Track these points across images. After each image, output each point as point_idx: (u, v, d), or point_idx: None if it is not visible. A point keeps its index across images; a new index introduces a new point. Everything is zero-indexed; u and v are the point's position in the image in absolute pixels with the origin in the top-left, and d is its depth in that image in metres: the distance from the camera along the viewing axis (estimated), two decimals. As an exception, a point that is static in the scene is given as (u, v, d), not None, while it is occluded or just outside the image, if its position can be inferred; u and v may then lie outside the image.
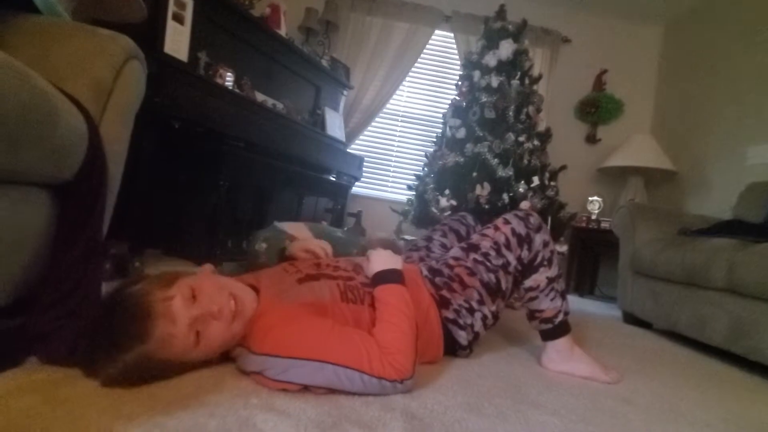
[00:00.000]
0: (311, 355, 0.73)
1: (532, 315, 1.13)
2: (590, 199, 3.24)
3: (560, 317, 1.10)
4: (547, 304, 1.10)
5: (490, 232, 1.10)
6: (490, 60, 2.54)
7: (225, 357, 0.83)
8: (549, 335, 1.12)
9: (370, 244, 1.59)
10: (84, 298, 0.80)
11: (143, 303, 0.69)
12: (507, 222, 1.10)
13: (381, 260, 0.96)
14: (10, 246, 0.71)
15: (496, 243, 1.07)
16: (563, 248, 2.49)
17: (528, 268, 1.09)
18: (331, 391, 0.75)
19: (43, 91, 0.69)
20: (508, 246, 1.06)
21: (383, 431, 0.66)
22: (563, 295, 1.12)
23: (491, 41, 2.59)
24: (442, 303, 1.04)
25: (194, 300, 0.74)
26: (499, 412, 0.80)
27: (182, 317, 0.70)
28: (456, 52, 3.44)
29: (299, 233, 1.33)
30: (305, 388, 0.75)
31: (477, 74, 2.57)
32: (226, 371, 0.80)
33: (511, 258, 1.07)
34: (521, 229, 1.07)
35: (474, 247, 1.09)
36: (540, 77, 2.71)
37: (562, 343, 1.12)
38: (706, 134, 2.94)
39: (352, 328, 0.82)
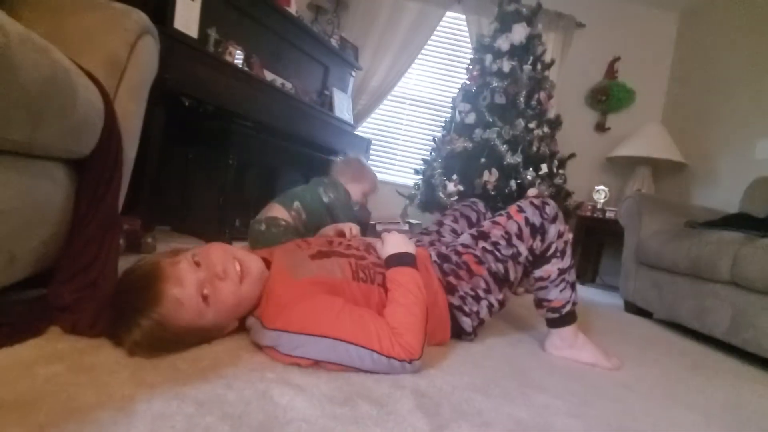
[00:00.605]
0: (323, 332, 0.75)
1: (539, 303, 1.13)
2: (597, 188, 3.23)
3: (568, 308, 1.10)
4: (556, 295, 1.09)
5: (502, 220, 1.08)
6: (503, 44, 2.50)
7: (242, 326, 0.86)
8: (555, 323, 1.13)
9: (337, 168, 1.70)
10: (102, 271, 0.82)
11: (152, 268, 0.73)
12: (521, 210, 1.07)
13: (395, 243, 0.97)
14: (32, 220, 0.72)
15: (507, 232, 1.05)
16: (568, 236, 2.50)
17: (539, 259, 1.08)
18: (343, 367, 0.77)
19: (63, 65, 0.69)
20: (519, 236, 1.05)
21: (393, 407, 0.68)
22: (573, 286, 1.11)
23: (504, 24, 2.55)
24: (449, 289, 1.05)
25: (200, 265, 0.77)
26: (504, 393, 0.83)
27: (189, 280, 0.73)
28: (467, 34, 3.38)
29: (273, 211, 1.50)
30: (317, 364, 0.77)
31: (488, 58, 2.54)
32: (242, 346, 0.82)
33: (522, 248, 1.05)
34: (535, 219, 1.05)
35: (484, 235, 1.08)
36: (552, 63, 2.67)
37: (567, 331, 1.13)
38: (717, 127, 2.91)
39: (364, 308, 0.84)
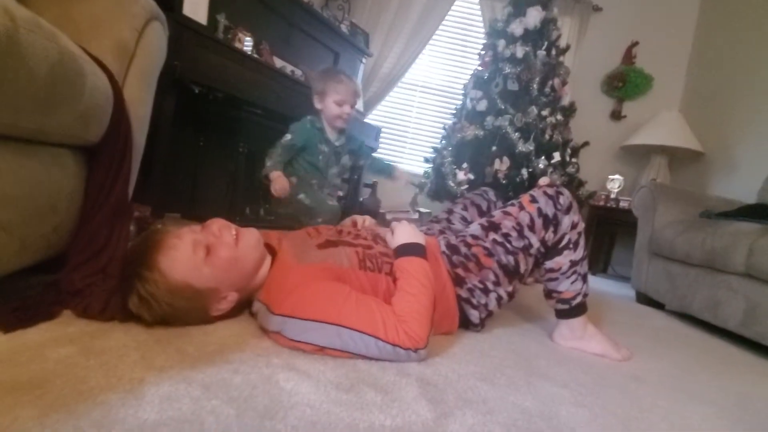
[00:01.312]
0: (329, 318, 0.75)
1: (549, 294, 1.11)
2: (611, 177, 3.17)
3: (578, 299, 1.08)
4: (567, 287, 1.07)
5: (514, 210, 1.05)
6: (516, 28, 2.44)
7: (245, 306, 0.89)
8: (564, 314, 1.11)
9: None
10: (112, 257, 0.83)
11: (151, 233, 0.82)
12: (534, 200, 1.04)
13: (405, 233, 0.97)
14: (42, 206, 0.73)
15: (519, 223, 1.02)
16: (582, 227, 2.47)
17: (551, 251, 1.05)
18: (348, 354, 0.78)
19: (71, 51, 0.69)
20: (531, 227, 1.02)
21: (398, 394, 0.68)
22: (585, 278, 1.08)
23: (518, 8, 2.49)
24: (457, 281, 1.03)
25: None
26: (510, 383, 0.82)
27: (186, 235, 0.80)
28: (480, 19, 3.31)
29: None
30: (322, 350, 0.77)
31: (501, 43, 2.48)
32: (249, 332, 0.84)
33: (534, 240, 1.03)
34: (549, 210, 1.02)
35: (495, 226, 1.05)
36: (567, 48, 2.61)
37: (576, 322, 1.11)
38: (737, 115, 2.81)
39: (371, 296, 0.84)
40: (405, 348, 0.77)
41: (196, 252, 0.78)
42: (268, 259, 0.91)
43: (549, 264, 1.07)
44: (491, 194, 1.44)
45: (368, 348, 0.76)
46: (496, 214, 1.08)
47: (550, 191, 1.04)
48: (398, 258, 0.93)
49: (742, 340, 1.54)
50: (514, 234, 1.03)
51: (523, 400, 0.76)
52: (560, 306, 1.10)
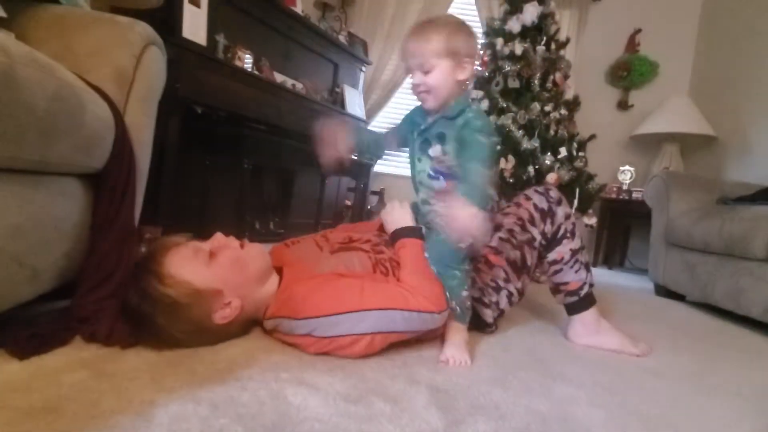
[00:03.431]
0: (352, 308, 0.80)
1: (557, 288, 1.13)
2: (621, 168, 3.11)
3: (585, 289, 1.10)
4: (572, 276, 1.10)
5: (512, 209, 1.12)
6: (514, 25, 2.43)
7: (253, 324, 0.91)
8: (575, 308, 1.12)
9: None
10: (121, 282, 0.85)
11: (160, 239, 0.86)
12: (528, 198, 1.11)
13: (395, 221, 1.03)
14: (51, 235, 0.75)
15: (519, 219, 1.09)
16: (592, 221, 2.43)
17: (551, 242, 1.10)
18: (381, 338, 0.82)
19: (68, 82, 0.71)
20: (532, 221, 1.08)
21: (408, 404, 0.68)
22: (587, 267, 1.12)
23: (514, 5, 2.48)
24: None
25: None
26: (523, 386, 0.81)
27: (189, 243, 0.83)
28: (477, 19, 3.30)
29: None
30: (355, 342, 0.80)
31: (500, 42, 2.47)
32: (258, 347, 0.84)
33: (536, 233, 1.08)
34: (543, 204, 1.09)
35: (497, 226, 1.10)
36: (567, 41, 2.59)
37: (588, 316, 1.11)
38: (750, 95, 2.74)
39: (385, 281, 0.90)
40: (429, 312, 0.83)
41: (197, 255, 0.80)
42: (275, 277, 0.93)
43: (551, 256, 1.10)
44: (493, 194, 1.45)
45: (396, 322, 0.81)
46: (497, 216, 1.14)
47: (540, 189, 1.13)
48: (395, 242, 0.98)
49: (767, 327, 1.49)
50: (517, 229, 1.08)
51: (537, 403, 0.74)
52: (569, 299, 1.11)
